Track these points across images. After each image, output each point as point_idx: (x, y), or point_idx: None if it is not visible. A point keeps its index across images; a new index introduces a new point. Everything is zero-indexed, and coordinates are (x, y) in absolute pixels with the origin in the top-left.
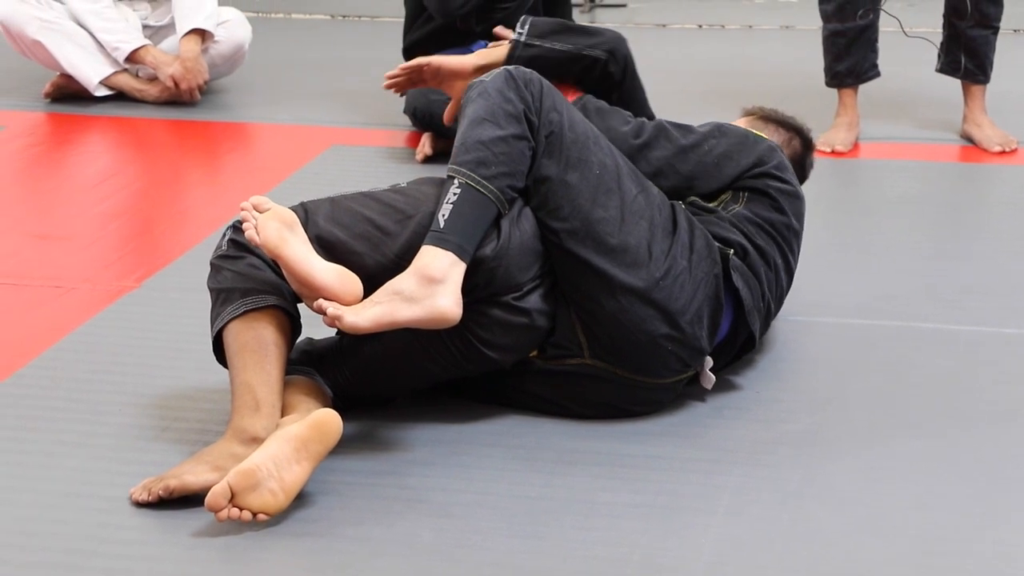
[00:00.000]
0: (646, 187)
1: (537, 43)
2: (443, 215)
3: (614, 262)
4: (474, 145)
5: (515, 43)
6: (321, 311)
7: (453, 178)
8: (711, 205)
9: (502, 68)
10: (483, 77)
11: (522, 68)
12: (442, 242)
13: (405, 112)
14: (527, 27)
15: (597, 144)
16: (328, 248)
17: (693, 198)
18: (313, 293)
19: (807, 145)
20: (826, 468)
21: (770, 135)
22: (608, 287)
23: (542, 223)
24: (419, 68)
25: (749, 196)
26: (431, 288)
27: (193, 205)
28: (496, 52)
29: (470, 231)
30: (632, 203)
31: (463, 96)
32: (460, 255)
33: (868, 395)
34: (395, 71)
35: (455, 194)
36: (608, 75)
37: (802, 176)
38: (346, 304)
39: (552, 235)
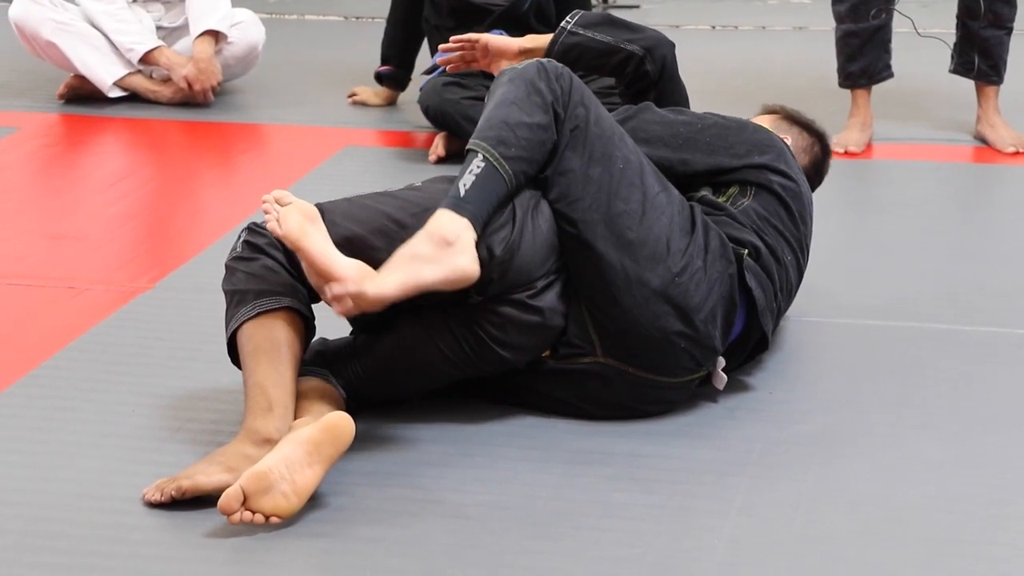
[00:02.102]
0: (668, 187)
1: (580, 32)
2: (464, 184)
3: (632, 256)
4: (498, 124)
5: (560, 30)
6: (338, 297)
7: (476, 152)
8: (720, 200)
9: (535, 59)
10: (516, 64)
11: (554, 61)
12: (460, 208)
13: (419, 103)
14: (576, 17)
15: (623, 140)
16: (346, 243)
17: (703, 194)
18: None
19: (826, 151)
20: (839, 469)
21: (795, 138)
22: (624, 281)
23: (561, 215)
24: (471, 44)
25: (756, 191)
26: (448, 248)
27: (207, 206)
28: (541, 38)
29: (485, 206)
30: (654, 199)
31: (495, 80)
32: (474, 223)
33: (881, 396)
34: (449, 44)
35: (479, 167)
36: (644, 73)
37: (818, 180)
38: None
39: (570, 226)
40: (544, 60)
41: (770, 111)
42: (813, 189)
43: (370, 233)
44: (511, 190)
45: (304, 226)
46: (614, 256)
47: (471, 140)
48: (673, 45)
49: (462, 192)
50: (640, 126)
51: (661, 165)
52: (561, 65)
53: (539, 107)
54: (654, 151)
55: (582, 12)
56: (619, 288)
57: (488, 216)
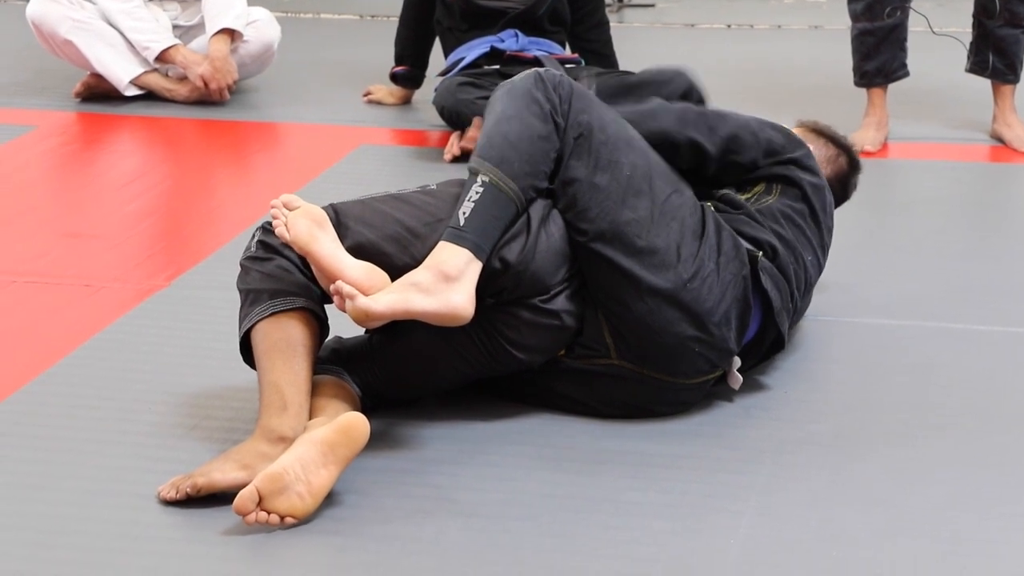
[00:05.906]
0: (680, 188)
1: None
2: (463, 212)
3: (642, 264)
4: (500, 142)
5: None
6: (337, 292)
7: (476, 174)
8: (743, 198)
9: (532, 69)
10: (513, 78)
11: (552, 70)
12: (460, 239)
13: (434, 103)
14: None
15: (629, 145)
16: (358, 249)
17: (725, 192)
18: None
19: (854, 166)
20: (854, 469)
21: (818, 148)
22: (636, 289)
23: (570, 224)
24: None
25: (782, 188)
26: (446, 284)
27: (222, 204)
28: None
29: (489, 230)
30: (664, 204)
31: (493, 94)
32: (477, 253)
33: (896, 396)
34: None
35: (477, 192)
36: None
37: (844, 196)
38: None
39: (580, 236)
40: (541, 70)
41: (800, 124)
42: (838, 204)
43: (382, 239)
44: (520, 207)
45: (312, 230)
46: (625, 264)
47: (472, 159)
48: (688, 81)
49: (461, 221)
50: (670, 106)
51: (692, 144)
52: (559, 73)
53: (538, 117)
54: (684, 130)
55: (597, 80)
56: (631, 295)
57: (497, 238)
